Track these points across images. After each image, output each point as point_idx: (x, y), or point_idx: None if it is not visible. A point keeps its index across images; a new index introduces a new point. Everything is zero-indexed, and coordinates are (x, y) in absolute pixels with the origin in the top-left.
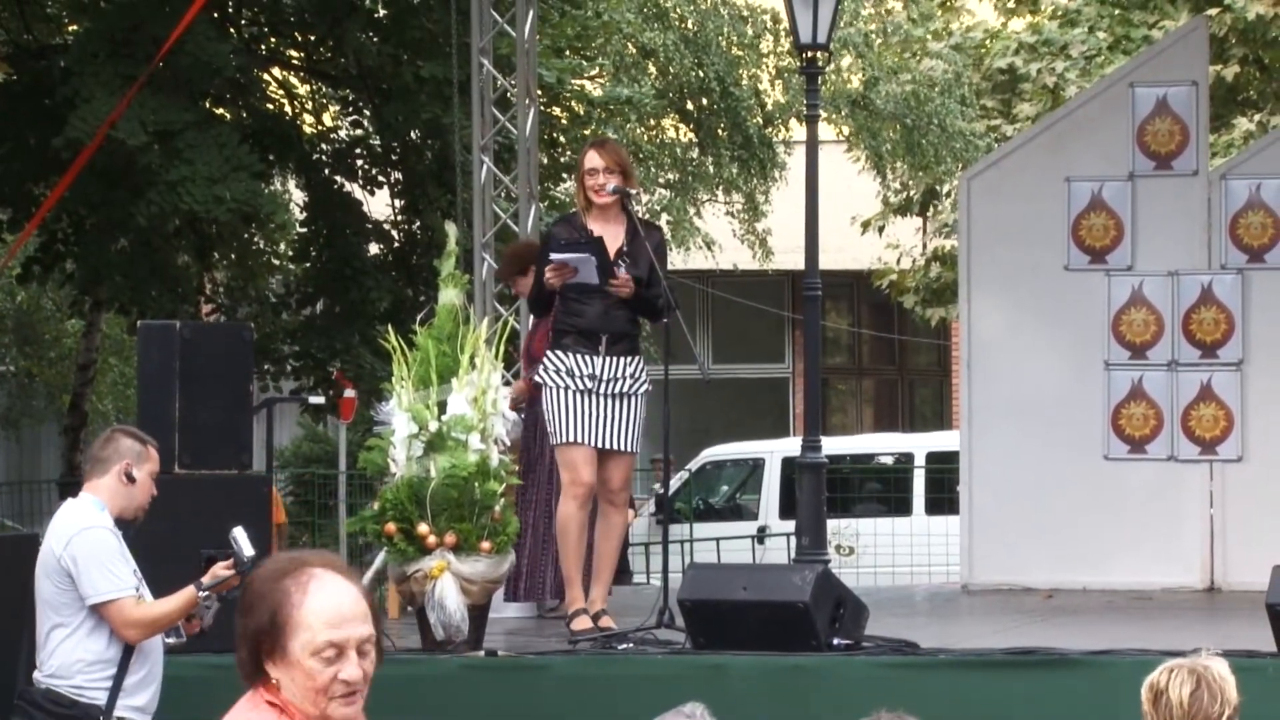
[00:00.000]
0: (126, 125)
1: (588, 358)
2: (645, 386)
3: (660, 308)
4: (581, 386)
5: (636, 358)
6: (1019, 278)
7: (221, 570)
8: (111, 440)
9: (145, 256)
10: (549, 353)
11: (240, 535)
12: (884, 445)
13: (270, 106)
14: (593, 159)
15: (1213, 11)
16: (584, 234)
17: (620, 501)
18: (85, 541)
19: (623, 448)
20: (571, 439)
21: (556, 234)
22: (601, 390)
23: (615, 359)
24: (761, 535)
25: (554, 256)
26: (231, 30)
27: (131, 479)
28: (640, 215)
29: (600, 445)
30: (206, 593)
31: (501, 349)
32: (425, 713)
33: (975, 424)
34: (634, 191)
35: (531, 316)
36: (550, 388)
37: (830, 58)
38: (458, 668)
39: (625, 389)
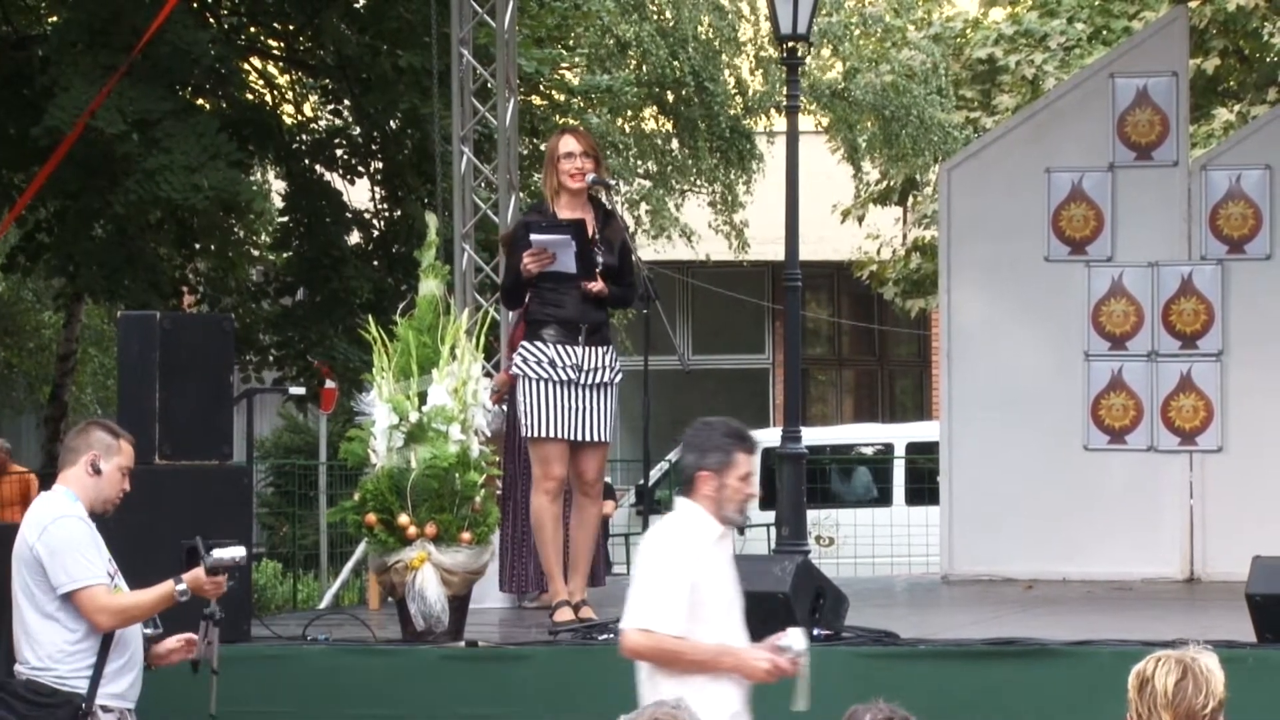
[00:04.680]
0: (105, 114)
1: (570, 349)
2: (619, 376)
3: (635, 296)
4: (563, 378)
5: (610, 347)
6: (999, 269)
7: (207, 585)
8: (84, 431)
9: (121, 246)
10: (526, 344)
11: (223, 552)
12: (864, 436)
13: (250, 96)
14: (569, 143)
15: (1193, 3)
16: (560, 220)
17: (595, 492)
18: (56, 531)
19: (598, 438)
20: (545, 433)
21: (533, 220)
22: (581, 381)
23: (593, 349)
24: (741, 526)
25: (534, 238)
26: (211, 20)
27: (98, 470)
28: (610, 205)
29: (575, 438)
30: (184, 587)
31: (482, 340)
32: (406, 704)
33: (955, 415)
34: (612, 183)
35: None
36: (528, 379)
37: (810, 48)
38: (438, 658)
39: (602, 379)
